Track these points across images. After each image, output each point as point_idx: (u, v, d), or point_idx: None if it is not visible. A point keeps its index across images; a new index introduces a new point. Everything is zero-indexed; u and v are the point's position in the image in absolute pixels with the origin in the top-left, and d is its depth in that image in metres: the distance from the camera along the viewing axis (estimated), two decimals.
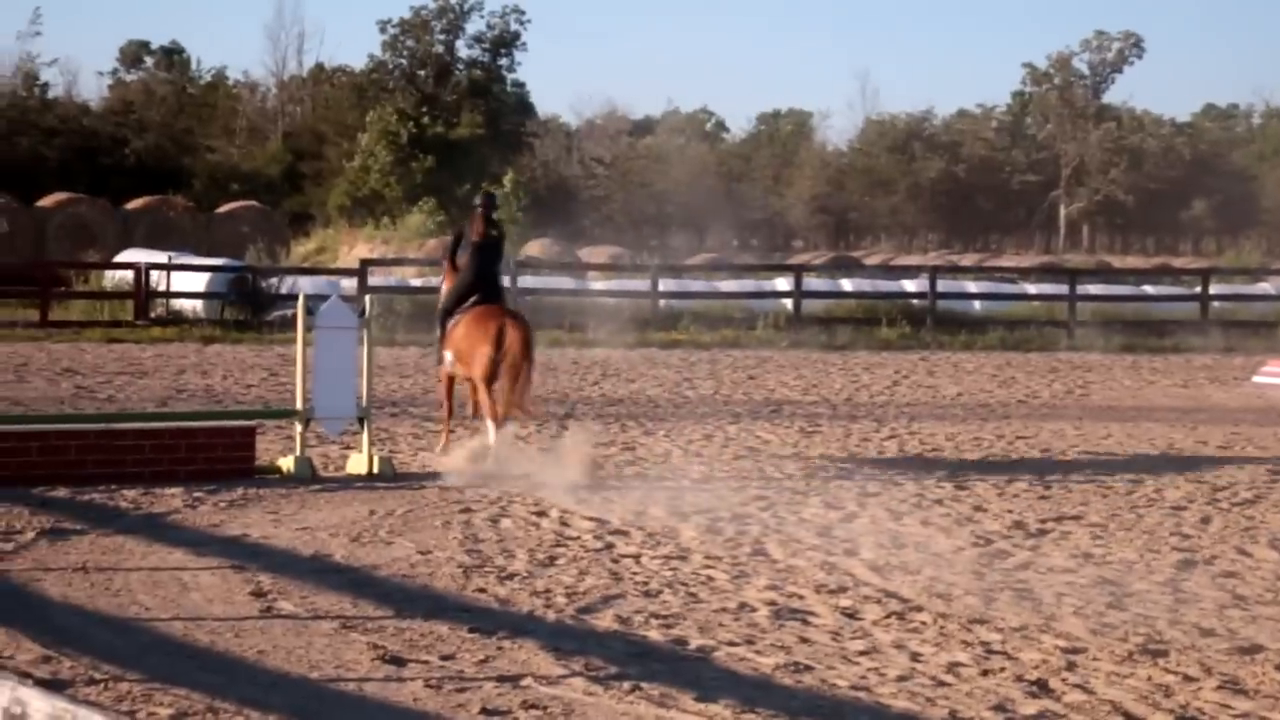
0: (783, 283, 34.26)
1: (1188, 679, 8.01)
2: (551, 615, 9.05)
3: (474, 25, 77.30)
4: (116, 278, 33.42)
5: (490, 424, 14.60)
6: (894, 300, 33.77)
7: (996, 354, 29.67)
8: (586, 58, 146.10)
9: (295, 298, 16.35)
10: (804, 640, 8.62)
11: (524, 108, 79.48)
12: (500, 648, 8.28)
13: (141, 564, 10.05)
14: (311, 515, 11.95)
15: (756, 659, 8.22)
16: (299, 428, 13.75)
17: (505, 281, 17.79)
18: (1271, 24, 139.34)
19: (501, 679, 7.71)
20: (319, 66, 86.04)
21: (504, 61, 77.43)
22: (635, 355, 27.67)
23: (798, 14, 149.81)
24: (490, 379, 14.67)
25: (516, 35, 77.04)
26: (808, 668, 8.07)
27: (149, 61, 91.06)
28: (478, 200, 15.92)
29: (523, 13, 77.23)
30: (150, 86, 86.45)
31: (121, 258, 36.36)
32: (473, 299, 15.25)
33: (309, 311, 14.03)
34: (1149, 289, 37.10)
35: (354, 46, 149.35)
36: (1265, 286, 37.41)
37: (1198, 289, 34.55)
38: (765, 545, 11.19)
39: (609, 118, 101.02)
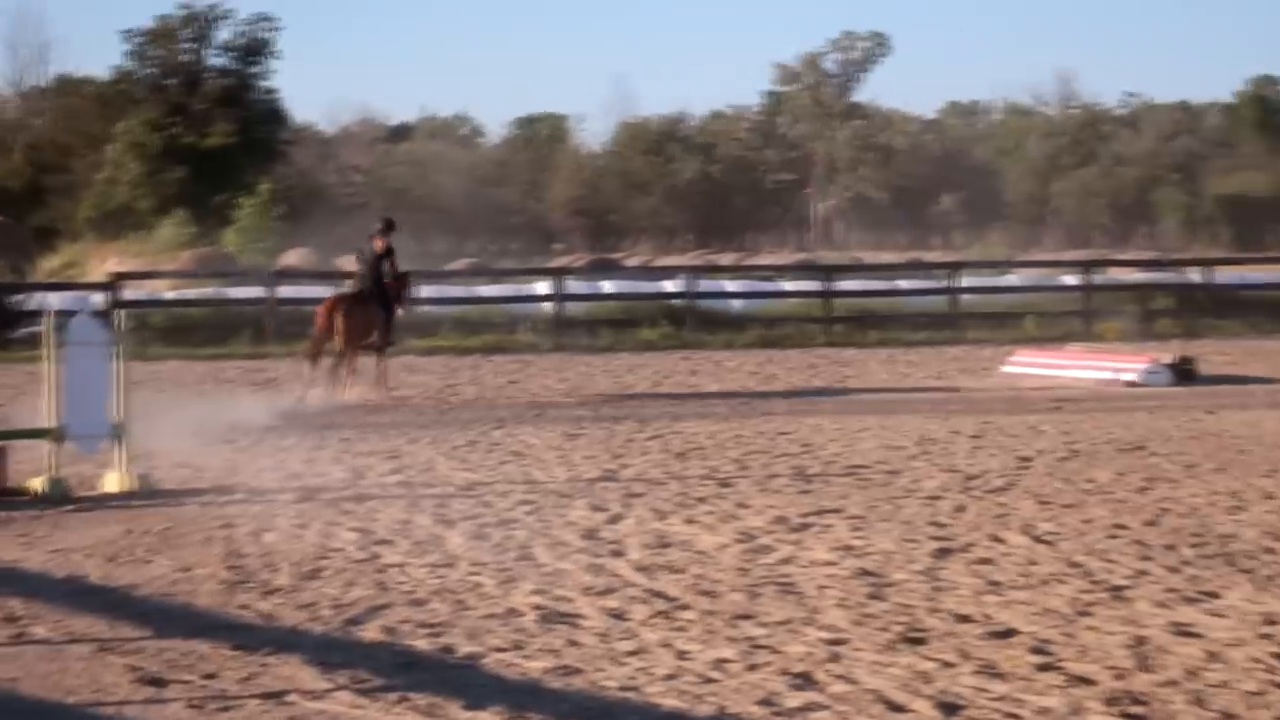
0: (543, 286, 34.29)
1: (947, 665, 8.19)
2: (317, 629, 8.94)
3: (223, 33, 76.10)
4: None
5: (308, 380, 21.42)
6: (654, 301, 33.98)
7: (756, 351, 30.04)
8: (340, 65, 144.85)
9: (43, 314, 15.97)
10: (572, 643, 8.63)
11: (277, 116, 78.38)
12: (264, 664, 8.15)
13: None
14: (65, 536, 11.65)
15: (525, 664, 8.21)
16: (50, 447, 13.39)
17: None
18: (1009, 22, 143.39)
19: (266, 696, 7.60)
20: (62, 77, 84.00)
21: (255, 69, 76.34)
22: (396, 363, 27.46)
23: (552, 18, 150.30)
24: (311, 347, 22.00)
25: (266, 42, 76.03)
26: (577, 670, 8.08)
27: None
28: (378, 224, 22.99)
29: (272, 20, 76.26)
30: None
31: None
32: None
33: (58, 328, 13.68)
34: (901, 283, 37.83)
35: (99, 57, 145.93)
36: (1012, 278, 38.38)
37: (948, 282, 35.30)
38: (532, 549, 11.18)
39: (364, 124, 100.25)
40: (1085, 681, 7.86)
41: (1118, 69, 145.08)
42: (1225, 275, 37.51)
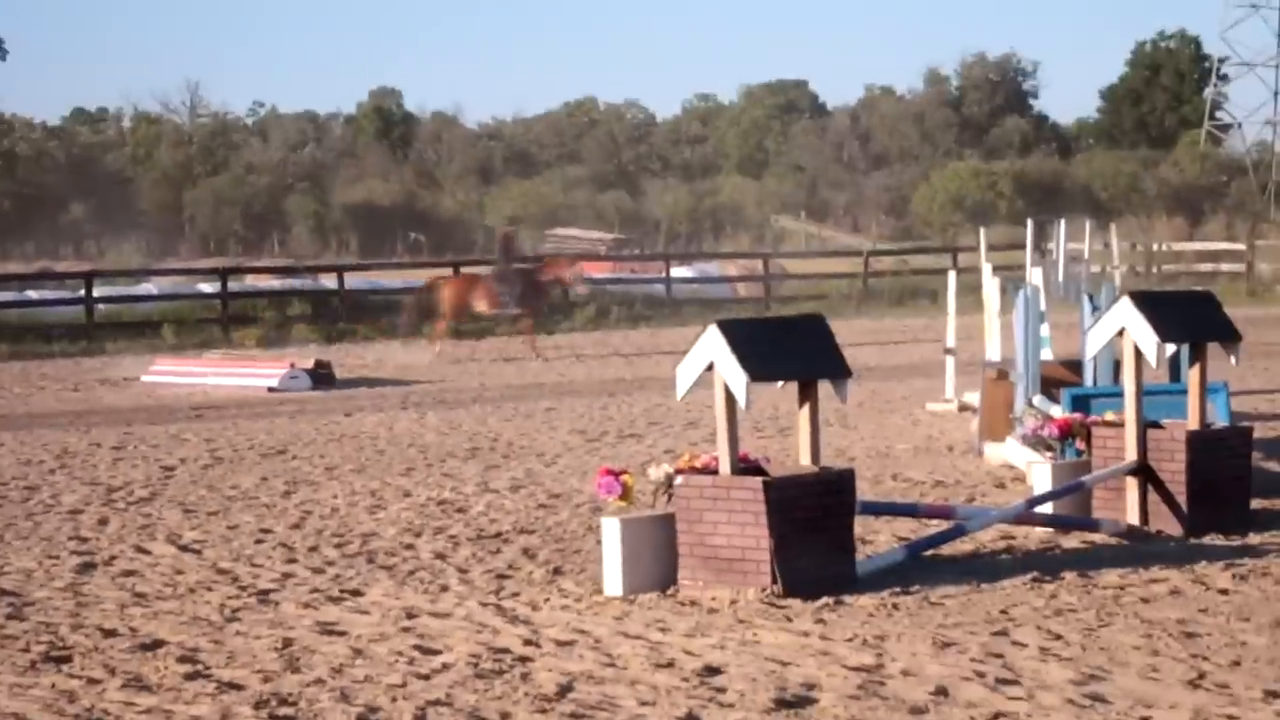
0: None
1: (92, 682, 8.01)
2: None
3: None
4: None
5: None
6: None
7: None
8: None
9: None
10: None
11: None
12: None
13: None
14: None
15: None
16: None
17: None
18: (139, 30, 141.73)
19: None
20: None
21: None
22: None
23: None
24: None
25: None
26: None
27: None
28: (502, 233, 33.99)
29: None
30: None
31: None
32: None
33: None
34: (32, 294, 36.64)
35: None
36: (149, 287, 37.95)
37: (82, 292, 34.48)
38: None
39: None
40: (235, 687, 7.89)
41: (245, 79, 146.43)
42: (356, 281, 38.68)
